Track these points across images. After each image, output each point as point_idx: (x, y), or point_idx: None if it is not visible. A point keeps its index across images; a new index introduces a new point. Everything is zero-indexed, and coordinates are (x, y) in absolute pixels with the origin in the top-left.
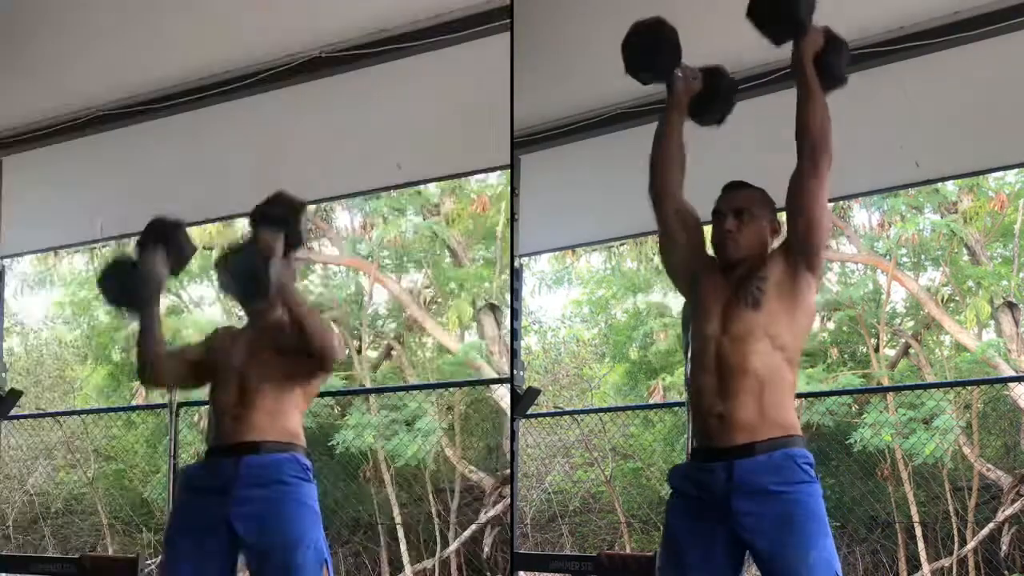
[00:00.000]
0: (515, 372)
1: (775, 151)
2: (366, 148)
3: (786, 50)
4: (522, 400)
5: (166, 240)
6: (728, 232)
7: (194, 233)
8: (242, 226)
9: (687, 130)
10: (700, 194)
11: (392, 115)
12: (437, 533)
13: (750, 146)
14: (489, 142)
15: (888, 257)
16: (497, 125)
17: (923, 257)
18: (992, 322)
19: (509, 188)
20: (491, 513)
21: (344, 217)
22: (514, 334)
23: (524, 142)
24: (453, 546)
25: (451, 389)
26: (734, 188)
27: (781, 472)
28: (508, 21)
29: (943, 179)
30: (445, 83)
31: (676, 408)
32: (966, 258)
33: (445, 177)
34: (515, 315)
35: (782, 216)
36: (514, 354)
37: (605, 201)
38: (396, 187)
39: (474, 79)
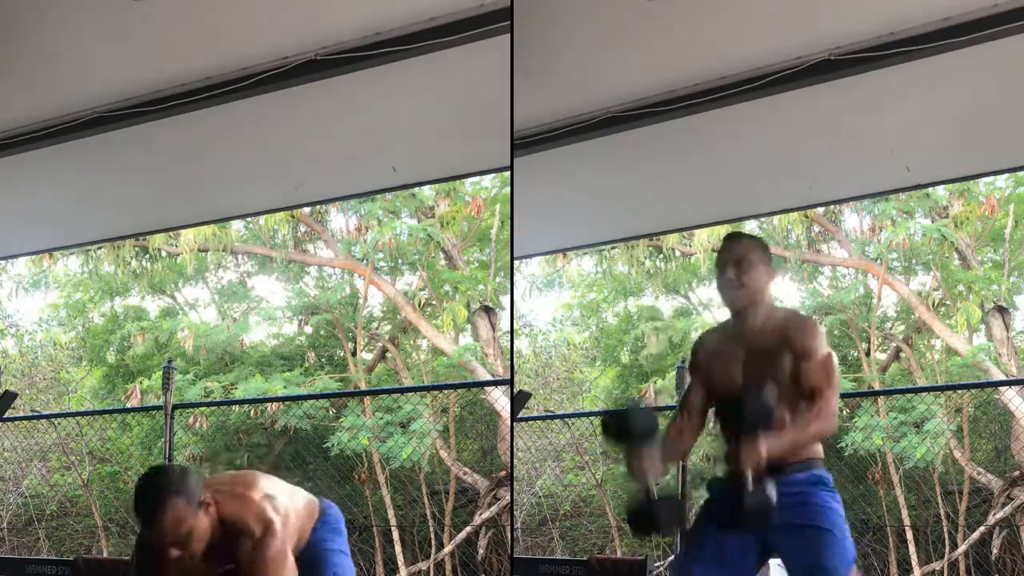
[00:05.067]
0: (515, 373)
1: (778, 150)
2: (361, 150)
3: (782, 51)
4: (513, 403)
5: None
6: (730, 281)
7: (189, 235)
8: (238, 227)
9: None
10: (705, 192)
11: (387, 117)
12: (432, 535)
13: (752, 145)
14: (484, 145)
15: (879, 261)
16: (492, 127)
17: (914, 261)
18: (983, 326)
19: (510, 189)
20: (485, 515)
21: (339, 219)
22: (515, 334)
23: (516, 145)
24: (448, 548)
25: (446, 391)
26: (732, 239)
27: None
28: (508, 23)
29: (934, 184)
30: (440, 86)
31: (667, 412)
32: (957, 262)
33: (440, 180)
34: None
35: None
36: (514, 354)
37: (597, 204)
38: (391, 189)
39: (469, 82)
